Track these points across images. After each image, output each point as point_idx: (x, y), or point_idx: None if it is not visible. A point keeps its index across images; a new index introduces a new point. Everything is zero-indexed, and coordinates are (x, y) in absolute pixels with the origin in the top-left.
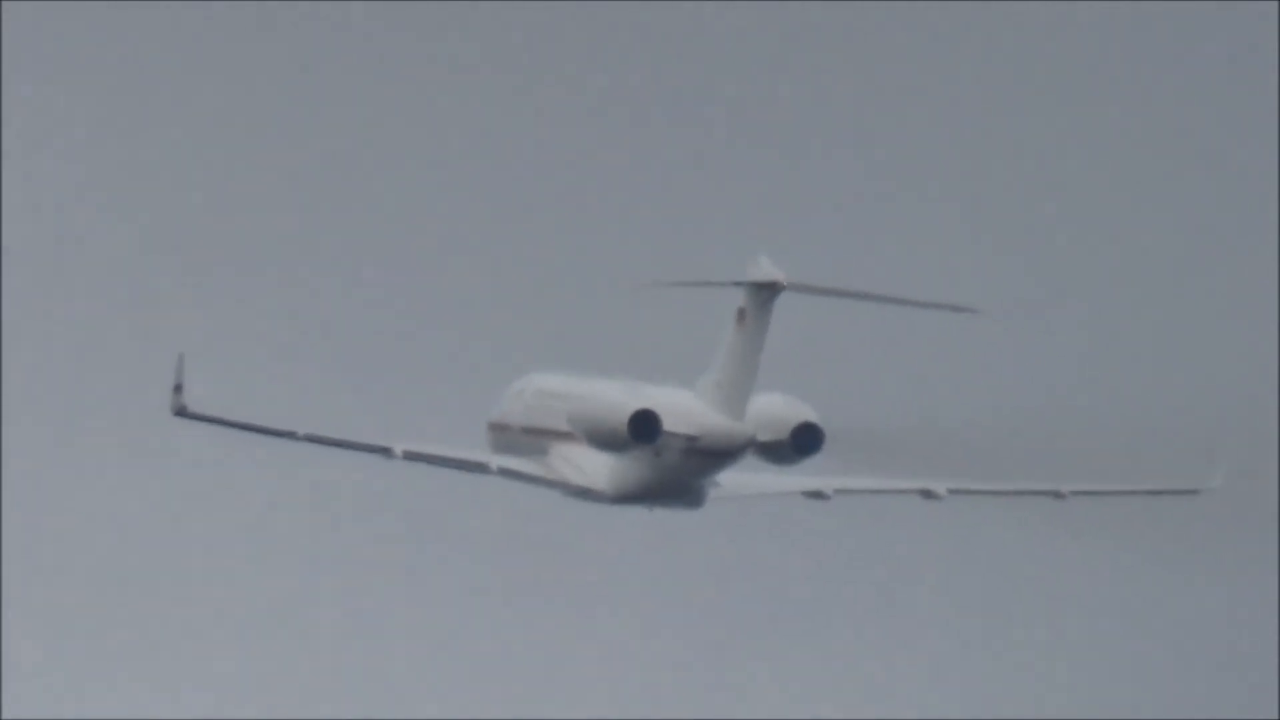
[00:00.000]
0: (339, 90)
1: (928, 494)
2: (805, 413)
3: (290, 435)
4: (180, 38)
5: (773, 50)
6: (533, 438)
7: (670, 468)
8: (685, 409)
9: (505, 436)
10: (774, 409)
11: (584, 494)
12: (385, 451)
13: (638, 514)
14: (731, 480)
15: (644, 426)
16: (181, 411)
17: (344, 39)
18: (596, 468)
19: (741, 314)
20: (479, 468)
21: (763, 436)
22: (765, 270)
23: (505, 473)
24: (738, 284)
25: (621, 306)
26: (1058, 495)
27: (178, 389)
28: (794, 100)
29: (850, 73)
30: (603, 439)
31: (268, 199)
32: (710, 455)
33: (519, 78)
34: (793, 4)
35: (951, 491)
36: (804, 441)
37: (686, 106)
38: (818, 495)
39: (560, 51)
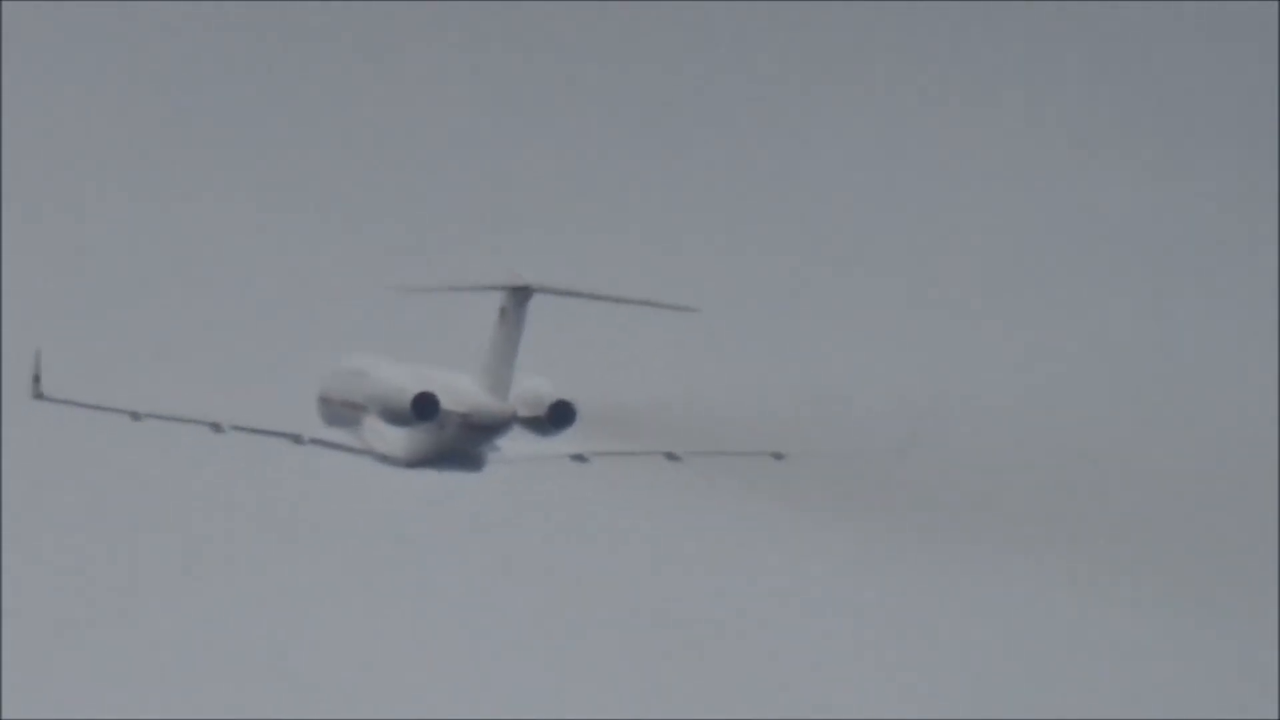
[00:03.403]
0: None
1: (671, 456)
2: (560, 392)
3: (133, 414)
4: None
5: (524, 53)
6: (349, 410)
7: (451, 439)
8: (460, 390)
9: (329, 409)
10: (534, 390)
11: (385, 460)
12: (216, 426)
13: (429, 476)
14: (509, 447)
15: (424, 406)
16: (39, 396)
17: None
18: (394, 437)
19: (503, 312)
20: (295, 438)
21: (524, 413)
22: (517, 276)
23: (317, 443)
24: (496, 288)
25: (410, 304)
26: (778, 456)
27: (36, 379)
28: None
29: (628, 75)
30: (392, 415)
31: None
32: (481, 429)
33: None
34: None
35: (690, 453)
36: (559, 416)
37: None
38: (580, 458)
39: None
